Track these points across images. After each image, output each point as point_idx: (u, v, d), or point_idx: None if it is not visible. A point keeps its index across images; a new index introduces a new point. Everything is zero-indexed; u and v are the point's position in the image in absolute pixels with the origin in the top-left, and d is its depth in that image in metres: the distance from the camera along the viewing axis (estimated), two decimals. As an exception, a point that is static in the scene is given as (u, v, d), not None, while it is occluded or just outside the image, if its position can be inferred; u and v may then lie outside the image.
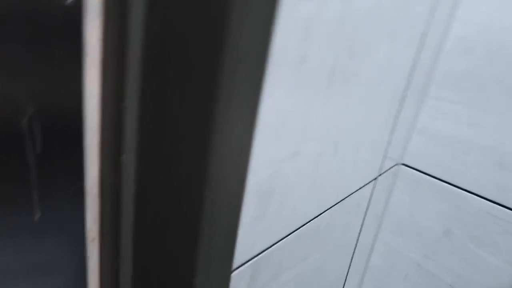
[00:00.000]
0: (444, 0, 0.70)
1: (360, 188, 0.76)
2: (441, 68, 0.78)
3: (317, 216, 0.66)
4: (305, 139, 0.54)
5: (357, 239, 0.86)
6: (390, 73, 0.65)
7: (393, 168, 0.86)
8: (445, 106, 0.80)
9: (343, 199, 0.71)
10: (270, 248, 0.58)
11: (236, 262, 0.51)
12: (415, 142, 0.85)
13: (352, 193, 0.73)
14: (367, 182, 0.78)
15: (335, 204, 0.70)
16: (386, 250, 0.94)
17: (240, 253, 0.52)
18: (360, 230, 0.85)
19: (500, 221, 0.78)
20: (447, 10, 0.73)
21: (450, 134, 0.80)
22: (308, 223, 0.64)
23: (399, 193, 0.89)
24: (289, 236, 0.61)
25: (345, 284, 0.93)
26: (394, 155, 0.84)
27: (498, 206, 0.78)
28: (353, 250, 0.86)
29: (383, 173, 0.83)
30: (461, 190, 0.81)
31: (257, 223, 0.53)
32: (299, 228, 0.62)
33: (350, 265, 0.89)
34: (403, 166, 0.87)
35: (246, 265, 0.55)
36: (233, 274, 0.51)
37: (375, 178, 0.80)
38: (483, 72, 0.74)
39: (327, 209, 0.68)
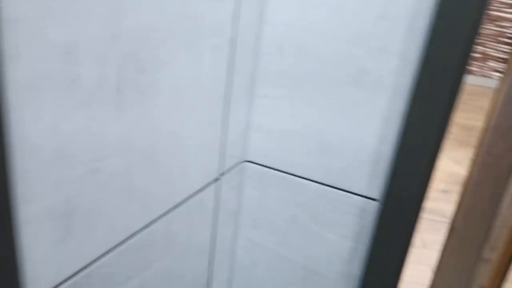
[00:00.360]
0: (248, 6, 0.75)
1: (198, 191, 0.78)
2: (262, 68, 0.84)
3: (146, 227, 0.67)
4: (104, 154, 0.55)
5: (214, 239, 0.89)
6: (199, 78, 0.68)
7: (238, 166, 0.91)
8: (272, 103, 0.86)
9: (177, 205, 0.73)
10: (91, 266, 0.58)
11: (40, 285, 0.51)
12: (254, 139, 0.90)
13: (188, 198, 0.76)
14: (206, 183, 0.81)
15: (169, 211, 0.71)
16: (248, 244, 0.99)
17: (45, 277, 0.51)
18: (215, 230, 0.89)
19: (332, 201, 0.86)
20: (256, 14, 0.79)
21: (280, 128, 0.86)
22: (136, 235, 0.65)
23: (248, 189, 0.94)
24: (113, 251, 0.61)
25: (213, 283, 0.95)
26: (236, 153, 0.89)
27: (328, 187, 0.86)
28: (208, 250, 0.89)
29: (227, 172, 0.87)
30: (298, 178, 0.88)
31: (61, 246, 0.52)
32: (124, 241, 0.63)
33: (212, 265, 0.92)
34: (248, 163, 0.92)
35: (62, 286, 0.54)
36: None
37: (217, 178, 0.84)
38: (296, 68, 0.81)
39: (158, 218, 0.69)
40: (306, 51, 0.79)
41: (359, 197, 0.84)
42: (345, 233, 0.87)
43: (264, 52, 0.83)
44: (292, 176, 0.89)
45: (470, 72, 5.40)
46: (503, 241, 0.94)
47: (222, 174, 0.86)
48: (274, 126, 0.87)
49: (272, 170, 0.91)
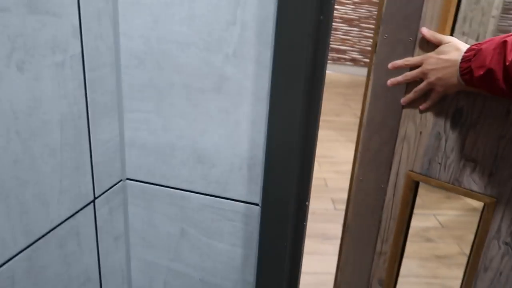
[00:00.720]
0: (95, 19, 0.72)
1: (68, 218, 0.74)
2: (126, 82, 0.81)
3: (2, 264, 0.61)
4: None
5: (98, 264, 0.85)
6: (42, 99, 0.64)
7: (118, 185, 0.87)
8: (143, 117, 0.83)
9: (40, 237, 0.68)
10: None
11: None
12: (131, 155, 0.86)
13: (55, 227, 0.71)
14: (78, 208, 0.76)
15: (28, 246, 0.66)
16: (142, 265, 0.95)
17: None
18: (98, 255, 0.84)
19: (216, 210, 0.85)
20: (108, 27, 0.76)
21: (155, 142, 0.84)
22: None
23: (133, 207, 0.90)
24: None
25: (108, 311, 0.91)
26: (113, 172, 0.85)
27: (210, 197, 0.84)
28: (98, 277, 0.84)
29: (104, 193, 0.83)
30: (180, 191, 0.86)
31: None
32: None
33: (102, 292, 0.87)
34: (129, 181, 0.89)
35: None
36: None
37: (91, 202, 0.79)
38: (160, 80, 0.79)
39: (17, 254, 0.64)
40: (166, 61, 0.77)
41: (241, 203, 0.83)
42: (234, 241, 0.86)
43: (125, 66, 0.80)
44: (175, 190, 0.86)
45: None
46: (393, 232, 0.98)
47: (99, 196, 0.81)
48: (148, 140, 0.84)
49: (154, 185, 0.88)
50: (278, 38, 0.68)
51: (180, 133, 0.82)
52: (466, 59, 0.75)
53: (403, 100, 0.89)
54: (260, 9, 0.69)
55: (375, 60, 0.89)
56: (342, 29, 5.73)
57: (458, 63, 0.76)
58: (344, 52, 5.85)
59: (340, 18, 5.66)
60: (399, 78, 0.87)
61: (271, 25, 0.70)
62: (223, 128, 0.79)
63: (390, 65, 0.88)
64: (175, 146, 0.83)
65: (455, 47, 0.78)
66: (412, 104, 0.89)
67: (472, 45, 0.76)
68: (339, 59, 5.90)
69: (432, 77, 0.81)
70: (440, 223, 2.48)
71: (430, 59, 0.81)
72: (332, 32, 5.76)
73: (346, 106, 4.61)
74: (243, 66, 0.73)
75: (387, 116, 0.91)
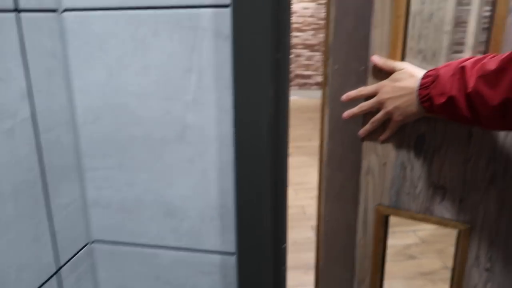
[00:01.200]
0: (44, 80, 0.68)
1: (28, 295, 0.67)
2: (84, 139, 0.77)
3: None
4: None
5: None
6: (-10, 174, 0.59)
7: (84, 249, 0.81)
8: (105, 174, 0.78)
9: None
10: None
11: None
12: (95, 216, 0.81)
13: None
14: (42, 281, 0.70)
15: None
16: (117, 330, 0.88)
17: None
18: (67, 329, 0.77)
19: (191, 264, 0.80)
20: (61, 84, 0.72)
21: (120, 199, 0.79)
22: None
23: (104, 272, 0.85)
24: None
25: None
26: (77, 236, 0.79)
27: (183, 251, 0.80)
28: None
29: (70, 260, 0.77)
30: (150, 248, 0.81)
31: None
32: None
33: None
34: (96, 244, 0.83)
35: None
36: None
37: (55, 273, 0.73)
38: (119, 134, 0.75)
39: None
40: (124, 114, 0.74)
41: (216, 254, 0.79)
42: (213, 294, 0.82)
43: (82, 123, 0.76)
44: (145, 248, 0.81)
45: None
46: (369, 273, 0.92)
47: (63, 265, 0.75)
48: (112, 198, 0.80)
49: (123, 245, 0.82)
50: (237, 81, 0.66)
51: (146, 187, 0.78)
52: (424, 86, 0.72)
53: (361, 132, 0.85)
54: (216, 54, 0.68)
55: (328, 92, 0.85)
56: (305, 54, 5.86)
57: (416, 90, 0.73)
58: (308, 77, 5.96)
59: (302, 44, 5.80)
60: (355, 109, 0.83)
61: (228, 69, 0.68)
62: (190, 178, 0.75)
63: (344, 97, 0.83)
64: (142, 202, 0.79)
65: (410, 74, 0.76)
66: (371, 135, 0.85)
67: (428, 71, 0.74)
68: (304, 84, 6.00)
69: (389, 106, 0.77)
70: (420, 239, 2.49)
71: (385, 88, 0.78)
72: (296, 58, 5.88)
73: (316, 130, 4.62)
74: (204, 113, 0.71)
75: (348, 150, 0.87)
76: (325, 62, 0.83)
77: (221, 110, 0.70)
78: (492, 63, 0.62)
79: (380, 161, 0.86)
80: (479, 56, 0.68)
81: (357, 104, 0.82)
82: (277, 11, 0.66)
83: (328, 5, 0.79)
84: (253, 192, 0.71)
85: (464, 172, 0.80)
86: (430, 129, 0.81)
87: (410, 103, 0.74)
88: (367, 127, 0.83)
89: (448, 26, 2.02)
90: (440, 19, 1.90)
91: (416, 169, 0.83)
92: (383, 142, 0.85)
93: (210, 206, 0.76)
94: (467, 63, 0.66)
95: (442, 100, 0.67)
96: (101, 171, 0.78)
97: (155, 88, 0.72)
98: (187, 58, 0.69)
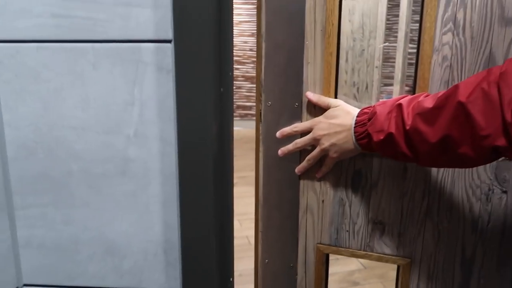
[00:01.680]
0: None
1: None
2: (15, 176, 0.72)
3: None
4: None
5: None
6: None
7: (13, 295, 0.75)
8: (38, 212, 0.74)
9: None
10: None
11: None
12: (26, 258, 0.76)
13: None
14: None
15: None
16: None
17: None
18: None
19: (134, 304, 0.77)
20: (-10, 119, 0.68)
21: (55, 238, 0.75)
22: None
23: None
24: None
25: None
26: (9, 281, 0.73)
27: (125, 291, 0.76)
28: None
29: (-4, 309, 0.70)
30: (89, 289, 0.77)
31: None
32: None
33: None
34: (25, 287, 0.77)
35: None
36: None
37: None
38: (56, 169, 0.72)
39: None
40: (61, 149, 0.71)
41: (160, 291, 0.76)
42: (157, 335, 0.78)
43: (13, 158, 0.72)
44: (83, 289, 0.77)
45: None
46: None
47: (-12, 314, 0.69)
48: (46, 238, 0.75)
49: None
50: (179, 116, 0.66)
51: (84, 225, 0.74)
52: (360, 123, 0.72)
53: (298, 169, 0.82)
54: (159, 87, 0.68)
55: (262, 130, 0.82)
56: (246, 86, 5.97)
57: (352, 128, 0.73)
58: (249, 108, 6.06)
59: (243, 76, 5.91)
60: (290, 146, 0.80)
61: (171, 102, 0.68)
62: (132, 214, 0.73)
63: (278, 133, 0.81)
64: (79, 240, 0.75)
65: (345, 111, 0.75)
66: (308, 172, 0.83)
67: (363, 109, 0.75)
68: (246, 115, 6.08)
69: (325, 143, 0.76)
70: (362, 265, 2.55)
71: (321, 124, 0.77)
72: (237, 90, 5.96)
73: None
74: (146, 146, 0.70)
75: (285, 188, 0.83)
76: (258, 98, 0.81)
77: (165, 143, 0.70)
78: (428, 102, 0.63)
79: (319, 198, 0.85)
80: (413, 95, 0.70)
81: (292, 141, 0.80)
82: (219, 45, 0.68)
83: (258, 40, 0.78)
84: (198, 226, 0.70)
85: (401, 206, 0.81)
86: (366, 164, 0.81)
87: (347, 140, 0.74)
88: (304, 164, 0.81)
89: (377, 62, 2.16)
90: (370, 55, 2.04)
91: (355, 205, 0.83)
92: (320, 179, 0.84)
93: (154, 241, 0.74)
94: (403, 101, 0.67)
95: (380, 137, 0.67)
96: (34, 209, 0.74)
97: (94, 121, 0.70)
98: (129, 92, 0.68)
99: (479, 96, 0.56)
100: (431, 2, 0.71)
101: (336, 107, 0.76)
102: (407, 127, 0.63)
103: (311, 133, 0.78)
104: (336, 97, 0.80)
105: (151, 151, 0.70)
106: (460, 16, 0.72)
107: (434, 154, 0.63)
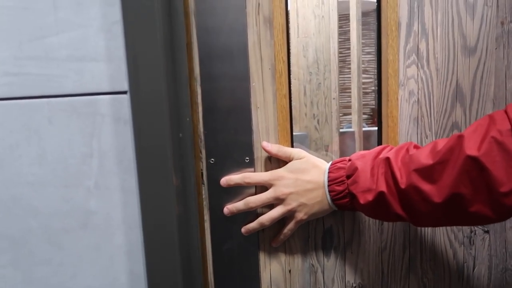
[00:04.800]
0: None
1: None
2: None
3: None
4: None
5: None
6: None
7: None
8: (-4, 275, 0.71)
9: None
10: None
11: None
12: (-15, 324, 0.72)
13: None
14: None
15: None
16: None
17: None
18: None
19: None
20: None
21: (15, 301, 0.71)
22: None
23: None
24: None
25: None
26: None
27: None
28: None
29: None
30: None
31: None
32: None
33: None
34: None
35: None
36: None
37: None
38: (12, 227, 0.70)
39: None
40: (18, 206, 0.69)
41: None
42: None
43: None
44: None
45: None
46: None
47: None
48: (6, 301, 0.72)
49: None
50: (139, 163, 0.67)
51: (45, 283, 0.71)
52: (336, 180, 0.62)
53: (245, 229, 0.69)
54: (117, 137, 0.68)
55: (205, 193, 0.71)
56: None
57: (326, 185, 0.62)
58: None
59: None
60: (239, 205, 0.67)
61: (131, 151, 0.68)
62: (96, 267, 0.71)
63: (223, 180, 0.68)
64: (41, 300, 0.72)
65: (313, 164, 0.64)
66: (267, 238, 0.70)
67: (336, 162, 0.64)
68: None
69: (292, 203, 0.64)
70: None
71: (285, 181, 0.64)
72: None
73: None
74: (108, 197, 0.69)
75: (239, 261, 0.69)
76: (197, 155, 0.69)
77: (126, 193, 0.69)
78: (424, 156, 0.55)
79: (284, 268, 0.72)
80: (397, 146, 0.62)
81: (241, 193, 0.68)
82: (175, 93, 0.70)
83: (192, 85, 0.68)
84: (164, 272, 0.69)
85: (380, 264, 0.72)
86: (337, 221, 0.71)
87: (320, 200, 0.63)
88: (254, 225, 0.68)
89: (334, 93, 2.24)
90: (327, 87, 2.12)
91: (328, 270, 0.72)
92: (283, 245, 0.71)
93: (120, 294, 0.72)
94: (389, 154, 0.59)
95: (369, 198, 0.58)
96: (-9, 271, 0.71)
97: (52, 176, 0.69)
98: (87, 144, 0.68)
99: (494, 148, 0.50)
100: (392, 32, 0.65)
101: (301, 159, 0.66)
102: (403, 186, 0.56)
103: (271, 190, 0.66)
104: (292, 146, 0.70)
105: (113, 202, 0.70)
106: (422, 47, 0.66)
107: (437, 215, 0.55)
